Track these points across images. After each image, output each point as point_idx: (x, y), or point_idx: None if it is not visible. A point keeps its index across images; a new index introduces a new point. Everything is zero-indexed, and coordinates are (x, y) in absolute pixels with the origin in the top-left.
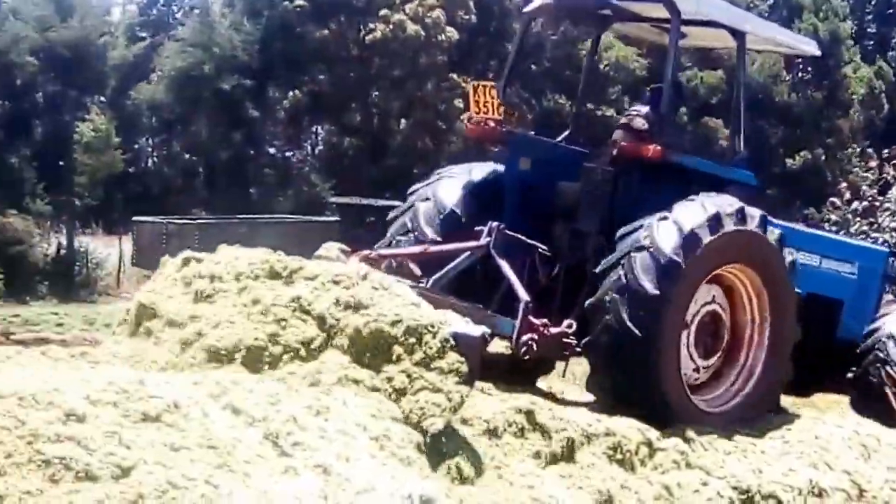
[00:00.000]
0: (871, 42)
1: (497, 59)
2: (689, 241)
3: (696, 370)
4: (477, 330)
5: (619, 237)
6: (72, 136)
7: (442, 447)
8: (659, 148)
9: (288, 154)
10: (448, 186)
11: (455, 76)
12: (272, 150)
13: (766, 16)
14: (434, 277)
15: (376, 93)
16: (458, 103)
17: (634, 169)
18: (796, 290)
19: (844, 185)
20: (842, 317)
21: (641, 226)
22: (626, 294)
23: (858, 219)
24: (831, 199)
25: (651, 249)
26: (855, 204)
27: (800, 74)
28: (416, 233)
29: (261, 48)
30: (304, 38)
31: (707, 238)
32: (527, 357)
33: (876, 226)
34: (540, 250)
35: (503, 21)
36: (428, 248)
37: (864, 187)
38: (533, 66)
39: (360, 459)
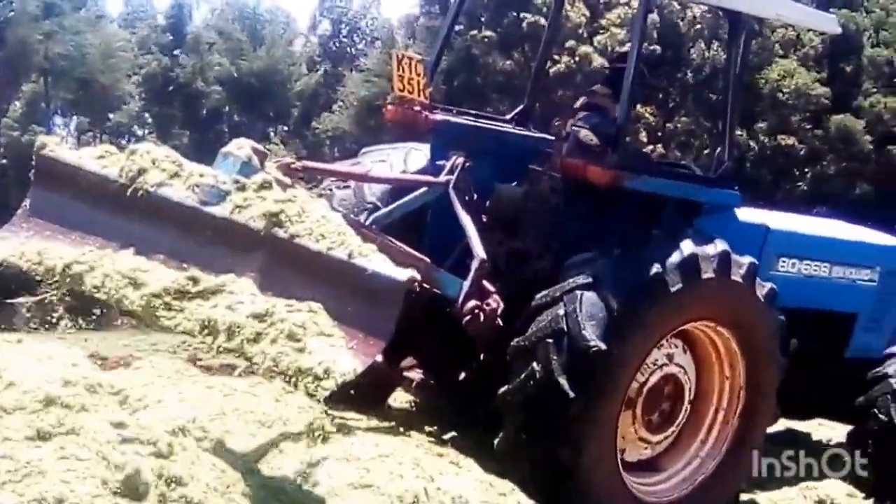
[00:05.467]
0: None
1: (677, 87)
2: (654, 285)
3: (638, 446)
4: (403, 273)
5: (567, 268)
6: None
7: None
8: (610, 172)
9: None
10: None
11: (638, 106)
12: None
13: None
14: (376, 215)
15: (558, 122)
16: (643, 137)
17: (586, 188)
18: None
19: None
20: (854, 331)
21: (593, 258)
22: (564, 341)
23: None
24: None
25: (602, 290)
26: None
27: None
28: None
29: (445, 79)
30: (487, 69)
31: (676, 285)
32: (470, 329)
33: None
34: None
35: (681, 49)
36: (369, 172)
37: None
38: (711, 95)
39: None
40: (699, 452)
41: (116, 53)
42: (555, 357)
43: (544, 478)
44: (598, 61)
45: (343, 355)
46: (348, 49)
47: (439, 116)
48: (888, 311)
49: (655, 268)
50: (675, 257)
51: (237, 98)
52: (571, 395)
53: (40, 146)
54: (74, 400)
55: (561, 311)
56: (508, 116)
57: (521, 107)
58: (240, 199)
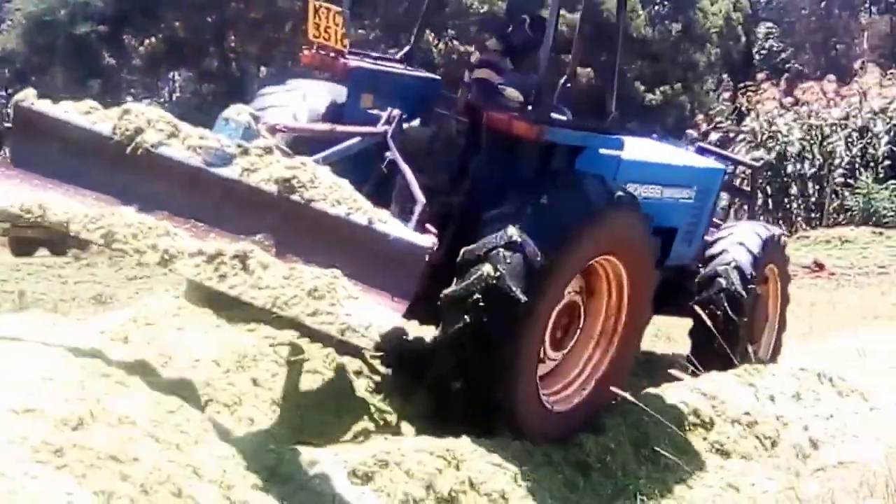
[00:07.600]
0: None
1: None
2: (590, 216)
3: (542, 361)
4: (426, 239)
5: (508, 198)
6: None
7: None
8: (537, 128)
9: (146, 101)
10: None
11: None
12: (129, 98)
13: None
14: (314, 158)
15: (233, 37)
16: None
17: (493, 134)
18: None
19: (701, 117)
20: (674, 244)
21: (532, 191)
22: (513, 251)
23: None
24: (688, 131)
25: (542, 217)
26: (712, 135)
27: (656, 8)
28: None
29: (187, 17)
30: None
31: (603, 219)
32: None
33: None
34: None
35: None
36: (335, 128)
37: (721, 119)
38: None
39: None
40: (589, 363)
41: None
42: (504, 264)
43: (476, 377)
44: None
45: (376, 312)
46: None
47: (354, 62)
48: (699, 224)
49: (593, 199)
50: (596, 194)
51: None
52: (523, 299)
53: (21, 98)
54: None
55: (511, 230)
56: (398, 56)
57: (408, 48)
58: (246, 163)
